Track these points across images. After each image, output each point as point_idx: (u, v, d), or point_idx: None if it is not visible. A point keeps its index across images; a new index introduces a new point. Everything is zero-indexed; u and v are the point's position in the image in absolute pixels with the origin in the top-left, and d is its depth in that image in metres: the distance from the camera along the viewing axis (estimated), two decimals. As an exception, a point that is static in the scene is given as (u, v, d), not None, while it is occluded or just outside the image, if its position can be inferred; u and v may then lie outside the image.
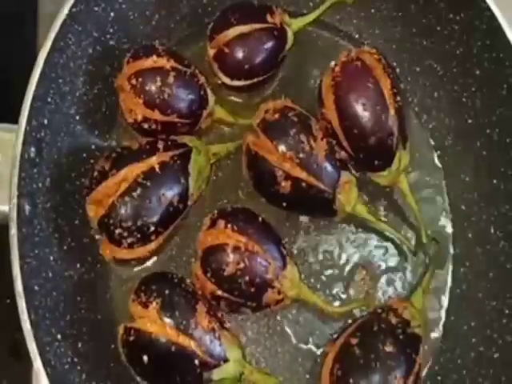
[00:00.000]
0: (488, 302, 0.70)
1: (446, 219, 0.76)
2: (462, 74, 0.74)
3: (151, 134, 0.71)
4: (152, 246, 0.69)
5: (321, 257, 0.74)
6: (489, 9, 0.68)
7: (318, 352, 0.71)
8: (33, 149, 0.64)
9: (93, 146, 0.73)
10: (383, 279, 0.74)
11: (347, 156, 0.71)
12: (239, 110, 0.77)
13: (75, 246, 0.69)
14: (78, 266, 0.70)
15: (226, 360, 0.65)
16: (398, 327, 0.66)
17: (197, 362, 0.64)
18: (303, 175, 0.68)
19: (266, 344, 0.71)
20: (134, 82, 0.69)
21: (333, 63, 0.71)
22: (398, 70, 0.78)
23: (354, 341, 0.66)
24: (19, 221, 0.62)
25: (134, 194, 0.66)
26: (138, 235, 0.67)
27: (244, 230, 0.67)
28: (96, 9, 0.71)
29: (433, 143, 0.78)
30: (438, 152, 0.78)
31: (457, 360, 0.71)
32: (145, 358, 0.64)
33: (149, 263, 0.72)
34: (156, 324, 0.64)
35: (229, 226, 0.67)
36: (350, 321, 0.71)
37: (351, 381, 0.64)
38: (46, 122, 0.66)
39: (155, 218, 0.67)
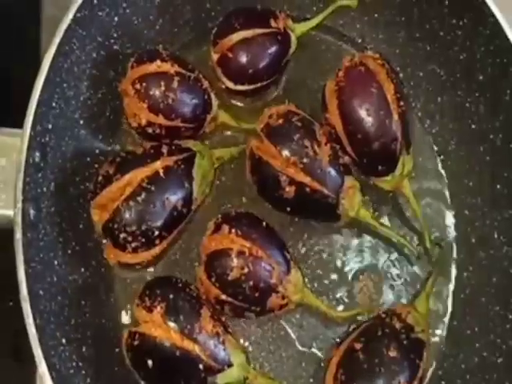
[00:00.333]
0: (491, 306, 0.70)
1: (449, 224, 0.76)
2: (465, 79, 0.74)
3: (155, 139, 0.71)
4: (156, 250, 0.69)
5: (324, 261, 0.74)
6: (492, 14, 0.68)
7: (322, 356, 0.71)
8: (37, 153, 0.64)
9: (97, 151, 0.73)
10: (387, 284, 0.74)
11: (351, 161, 0.71)
12: (243, 115, 0.77)
13: (79, 250, 0.69)
14: (83, 270, 0.70)
15: (230, 364, 0.66)
16: (402, 332, 0.66)
17: (201, 366, 0.64)
18: (307, 180, 0.68)
19: (270, 348, 0.71)
20: (138, 86, 0.70)
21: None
22: (401, 75, 0.78)
23: (358, 346, 0.66)
24: (24, 225, 0.62)
25: (139, 198, 0.66)
26: (143, 240, 0.67)
27: (248, 234, 0.67)
28: (100, 13, 0.71)
29: (436, 148, 0.78)
30: (442, 157, 0.78)
31: (460, 365, 0.71)
32: (149, 362, 0.64)
33: (153, 267, 0.72)
34: (160, 328, 0.64)
35: (233, 230, 0.67)
36: (353, 325, 0.71)
37: (355, 386, 0.64)
38: (50, 126, 0.66)
39: (159, 223, 0.67)
